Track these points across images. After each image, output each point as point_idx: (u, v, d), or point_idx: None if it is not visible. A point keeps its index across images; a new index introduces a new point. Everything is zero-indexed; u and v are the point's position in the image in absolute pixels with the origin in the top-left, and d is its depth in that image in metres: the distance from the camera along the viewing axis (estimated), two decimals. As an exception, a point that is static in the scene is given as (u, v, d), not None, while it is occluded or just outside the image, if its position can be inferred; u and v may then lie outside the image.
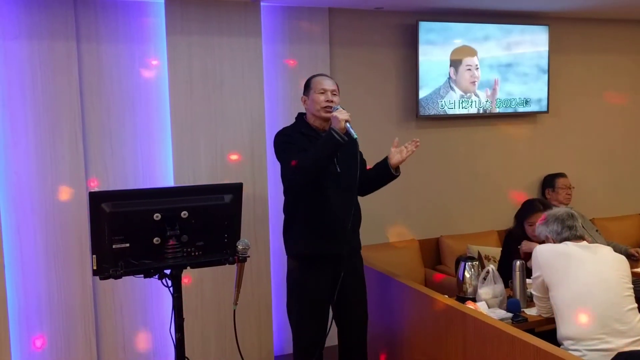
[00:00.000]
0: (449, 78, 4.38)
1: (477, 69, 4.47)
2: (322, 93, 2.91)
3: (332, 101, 2.90)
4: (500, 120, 4.74)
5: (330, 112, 2.84)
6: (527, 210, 3.74)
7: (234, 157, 3.81)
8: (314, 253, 2.91)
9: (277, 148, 2.97)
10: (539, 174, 4.87)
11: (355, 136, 2.72)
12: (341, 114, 2.75)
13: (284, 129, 3.03)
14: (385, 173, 2.98)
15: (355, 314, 3.06)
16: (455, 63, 4.40)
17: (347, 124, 2.73)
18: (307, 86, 3.01)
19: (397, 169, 2.97)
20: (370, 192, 3.16)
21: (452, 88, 4.40)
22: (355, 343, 3.09)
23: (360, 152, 3.09)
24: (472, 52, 4.44)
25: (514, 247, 3.59)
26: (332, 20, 4.13)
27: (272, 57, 3.96)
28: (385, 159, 2.98)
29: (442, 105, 4.40)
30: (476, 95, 4.48)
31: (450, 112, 4.44)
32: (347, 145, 2.76)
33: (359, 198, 3.08)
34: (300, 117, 3.05)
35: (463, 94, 4.44)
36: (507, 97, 4.62)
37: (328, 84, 2.95)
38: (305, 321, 2.97)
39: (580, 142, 5.04)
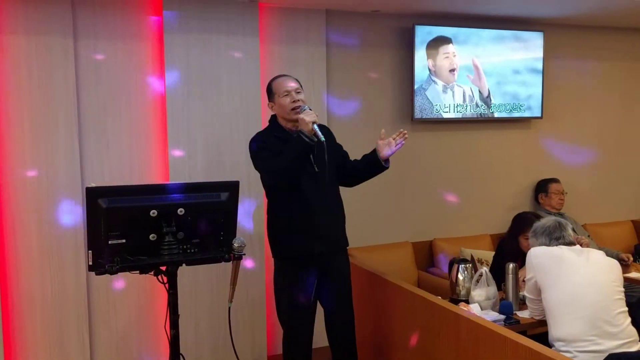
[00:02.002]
0: (429, 71, 4.39)
1: (455, 55, 4.46)
2: (286, 95, 2.89)
3: (298, 100, 2.88)
4: (495, 124, 4.77)
5: (299, 112, 2.82)
6: (522, 224, 3.65)
7: (230, 155, 3.82)
8: (295, 254, 2.92)
9: (252, 154, 2.96)
10: (532, 178, 4.90)
11: (323, 139, 2.71)
12: (308, 116, 2.73)
13: (258, 134, 3.01)
14: (375, 165, 2.97)
15: (339, 315, 3.07)
16: (432, 54, 4.40)
17: (314, 126, 2.72)
18: (270, 91, 2.98)
19: (386, 160, 2.96)
20: (357, 184, 3.15)
21: (433, 81, 4.41)
22: (343, 344, 3.11)
23: (340, 145, 3.13)
24: (447, 40, 4.43)
25: (506, 261, 3.51)
26: (329, 22, 4.15)
27: (269, 57, 3.97)
28: (374, 152, 2.97)
29: (437, 109, 4.43)
30: (459, 86, 4.49)
31: (446, 116, 4.46)
32: (319, 146, 2.75)
33: (348, 197, 3.09)
34: (274, 119, 3.02)
35: (445, 84, 4.44)
36: (502, 102, 4.65)
37: (290, 85, 2.92)
38: (292, 320, 2.98)
39: (573, 147, 5.08)
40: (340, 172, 3.06)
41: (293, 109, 2.86)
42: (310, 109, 2.81)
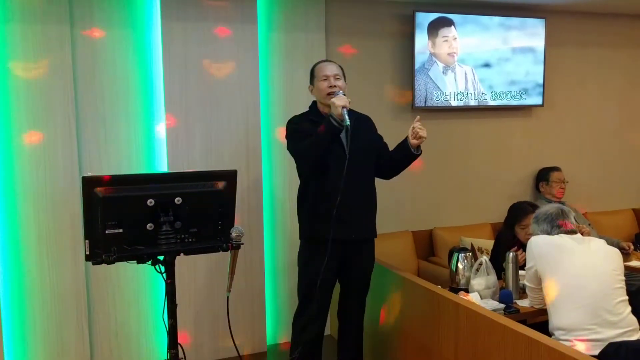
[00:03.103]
0: (430, 53, 4.34)
1: (455, 39, 4.40)
2: (324, 80, 2.96)
3: (335, 86, 2.93)
4: (496, 112, 4.74)
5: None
6: (518, 213, 3.67)
7: (227, 145, 3.81)
8: (320, 237, 2.94)
9: (286, 136, 3.04)
10: (534, 167, 4.88)
11: (347, 123, 2.75)
12: (339, 100, 2.79)
13: (294, 116, 3.09)
14: (406, 153, 2.99)
15: (352, 301, 3.11)
16: (432, 35, 4.34)
17: (344, 110, 2.75)
18: (312, 75, 3.06)
19: (417, 148, 2.99)
20: (395, 174, 3.18)
21: (435, 62, 4.37)
22: (350, 329, 3.14)
23: (380, 136, 3.16)
24: (449, 22, 4.36)
25: (503, 252, 3.42)
26: (329, 9, 4.11)
27: (267, 45, 3.93)
28: (406, 140, 2.99)
29: (437, 97, 4.40)
30: (460, 66, 4.43)
31: (447, 103, 4.43)
32: (352, 133, 2.79)
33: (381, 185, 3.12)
34: (314, 104, 3.10)
35: (445, 66, 4.39)
36: (503, 89, 4.62)
37: (330, 70, 2.98)
38: (309, 299, 3.01)
39: (575, 136, 5.05)
40: (378, 164, 3.08)
41: (329, 93, 2.92)
42: (344, 95, 2.86)
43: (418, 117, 2.99)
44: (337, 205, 2.83)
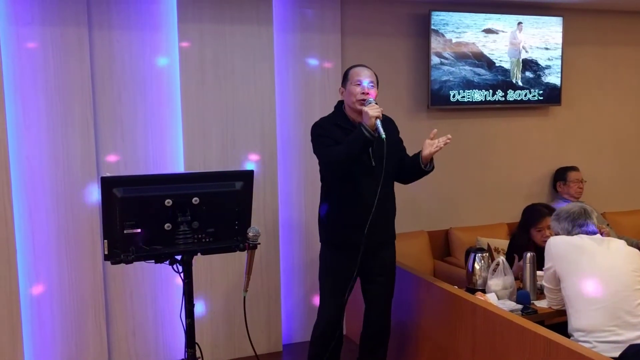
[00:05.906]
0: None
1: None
2: (357, 85, 2.86)
3: (367, 93, 2.84)
4: (512, 112, 4.71)
5: (364, 104, 2.79)
6: (533, 216, 3.62)
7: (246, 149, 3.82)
8: (341, 241, 2.93)
9: (312, 140, 2.97)
10: (551, 166, 4.83)
11: (383, 136, 2.66)
12: (372, 110, 2.69)
13: (321, 120, 3.00)
14: (417, 166, 2.91)
15: (376, 307, 3.07)
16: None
17: (377, 122, 2.67)
18: (345, 77, 2.97)
19: (427, 164, 2.88)
20: (411, 181, 3.10)
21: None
22: (374, 331, 3.10)
23: (401, 139, 3.09)
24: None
25: (518, 256, 3.42)
26: (344, 9, 4.10)
27: (283, 46, 3.94)
28: (418, 154, 2.90)
29: (453, 97, 4.38)
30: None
31: (462, 103, 4.40)
32: (379, 141, 2.71)
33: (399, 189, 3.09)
34: (339, 106, 3.01)
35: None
36: (519, 88, 4.58)
37: (365, 76, 2.89)
38: (328, 299, 3.01)
39: (592, 135, 5.00)
40: (396, 169, 3.00)
41: (360, 100, 2.83)
42: (377, 104, 2.77)
43: (435, 130, 2.89)
44: (361, 213, 2.79)
